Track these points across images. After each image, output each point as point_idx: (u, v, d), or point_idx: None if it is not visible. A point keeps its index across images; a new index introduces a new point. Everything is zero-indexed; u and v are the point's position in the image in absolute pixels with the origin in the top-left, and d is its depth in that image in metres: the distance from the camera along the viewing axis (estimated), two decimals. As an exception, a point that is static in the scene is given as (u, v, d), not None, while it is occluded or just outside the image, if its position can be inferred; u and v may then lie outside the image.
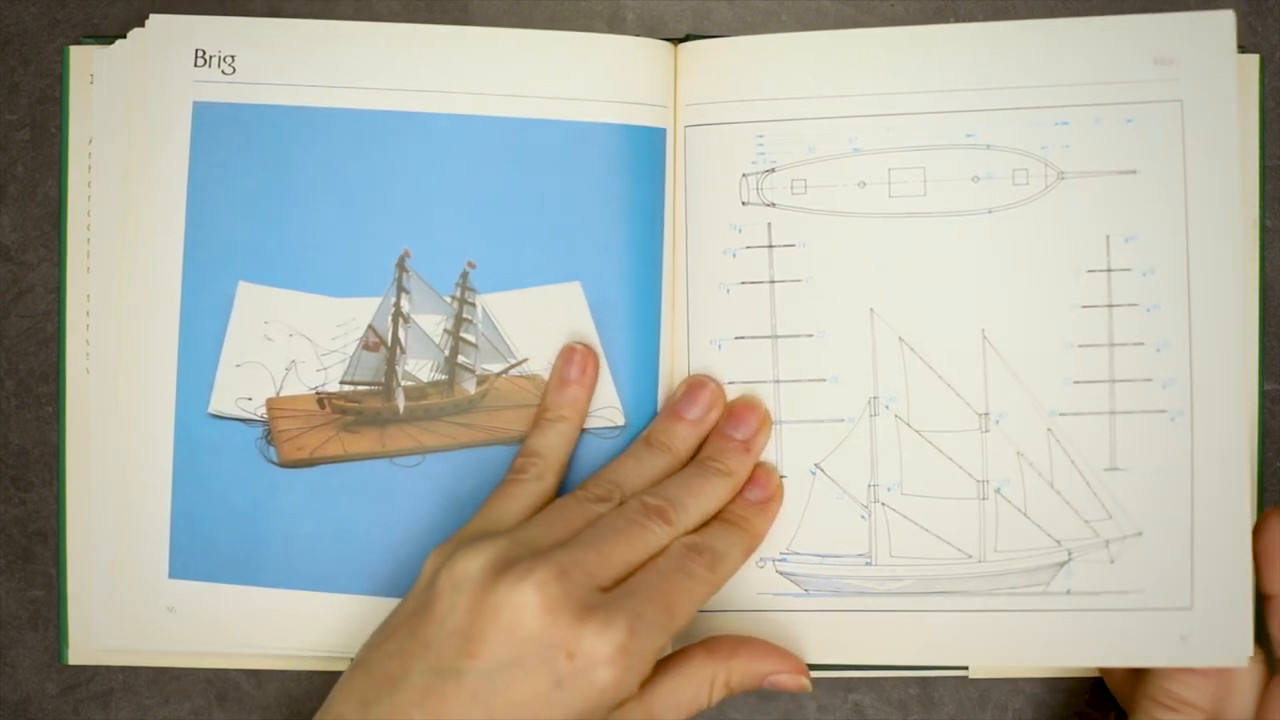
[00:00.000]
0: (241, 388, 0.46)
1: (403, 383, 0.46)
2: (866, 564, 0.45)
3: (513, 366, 0.46)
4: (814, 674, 0.46)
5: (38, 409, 0.48)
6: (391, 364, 0.46)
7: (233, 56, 0.46)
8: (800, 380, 0.45)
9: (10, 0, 0.48)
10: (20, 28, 0.48)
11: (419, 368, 0.46)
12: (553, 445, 0.44)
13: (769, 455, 0.45)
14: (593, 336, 0.45)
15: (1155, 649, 0.43)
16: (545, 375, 0.45)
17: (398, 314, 0.46)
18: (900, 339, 0.45)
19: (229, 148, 0.46)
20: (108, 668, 0.48)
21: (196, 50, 0.46)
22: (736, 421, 0.44)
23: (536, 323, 0.46)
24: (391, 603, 0.42)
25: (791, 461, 0.45)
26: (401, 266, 0.46)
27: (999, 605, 0.44)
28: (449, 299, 0.46)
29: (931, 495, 0.45)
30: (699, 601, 0.40)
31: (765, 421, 0.45)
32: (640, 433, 0.45)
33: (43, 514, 0.48)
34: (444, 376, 0.46)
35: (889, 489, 0.45)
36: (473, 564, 0.38)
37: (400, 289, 0.46)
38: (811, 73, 0.45)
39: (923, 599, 0.44)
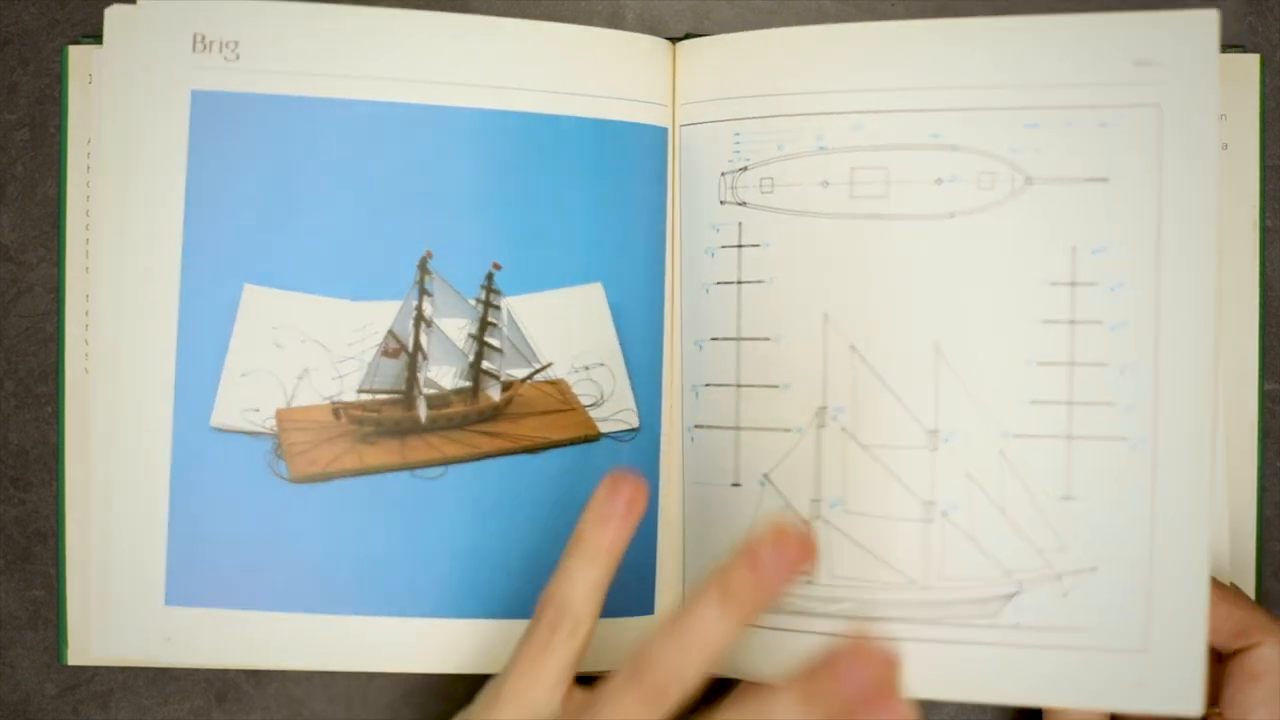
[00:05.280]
0: (248, 398, 0.43)
1: (425, 390, 0.44)
2: (807, 583, 0.43)
3: (538, 371, 0.44)
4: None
5: (37, 409, 0.48)
6: (413, 371, 0.44)
7: (235, 42, 0.42)
8: (756, 385, 0.44)
9: (10, 0, 0.48)
10: (20, 28, 0.48)
11: (442, 374, 0.44)
12: (586, 596, 0.37)
13: (731, 459, 0.44)
14: (613, 339, 0.44)
15: (1106, 692, 0.41)
16: (569, 380, 0.44)
17: (419, 318, 0.44)
18: (852, 347, 0.43)
19: (232, 140, 0.42)
20: (107, 668, 0.48)
21: (195, 35, 0.42)
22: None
23: (559, 325, 0.44)
24: (411, 623, 0.41)
25: (746, 470, 0.44)
26: (423, 268, 0.43)
27: (944, 636, 0.42)
28: (473, 302, 0.44)
29: (875, 514, 0.42)
30: None
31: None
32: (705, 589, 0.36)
33: (42, 514, 0.48)
34: (468, 383, 0.44)
35: (832, 505, 0.43)
36: None
37: (422, 291, 0.43)
38: (781, 69, 0.44)
39: (863, 625, 0.41)
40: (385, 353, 0.43)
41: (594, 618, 0.38)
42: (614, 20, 0.48)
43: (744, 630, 0.35)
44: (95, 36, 0.47)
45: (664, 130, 0.45)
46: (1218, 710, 0.42)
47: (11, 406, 0.48)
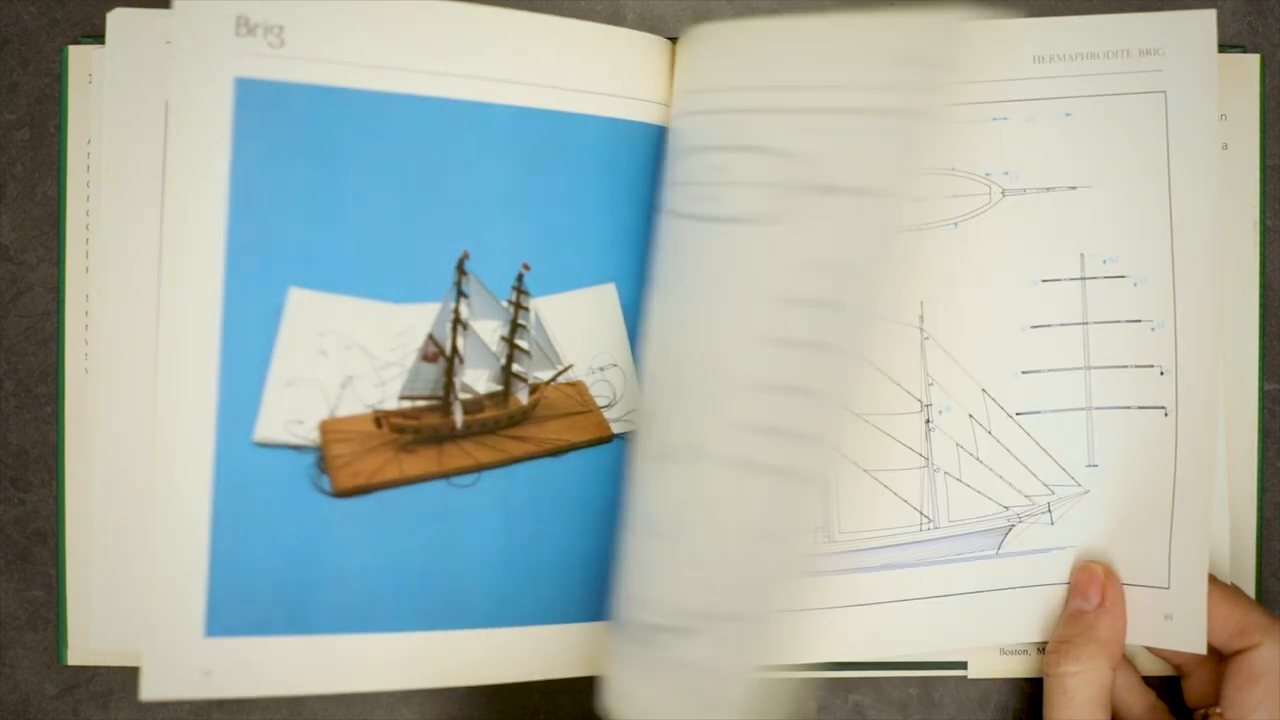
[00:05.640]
0: (292, 409, 0.40)
1: (460, 395, 0.43)
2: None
3: (561, 373, 0.44)
4: (814, 674, 0.46)
5: (37, 409, 0.48)
6: (450, 375, 0.42)
7: (281, 27, 0.39)
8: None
9: (10, 0, 0.48)
10: (20, 28, 0.48)
11: (476, 378, 0.43)
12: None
13: None
14: (624, 339, 0.44)
15: None
16: (586, 381, 0.44)
17: (457, 321, 0.42)
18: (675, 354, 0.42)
19: (277, 133, 0.40)
20: (107, 668, 0.48)
21: (239, 17, 0.39)
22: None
23: (577, 326, 0.43)
24: (446, 636, 0.41)
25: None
26: (461, 269, 0.42)
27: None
28: (505, 304, 0.43)
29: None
30: None
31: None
32: None
33: (42, 514, 0.48)
34: (499, 387, 0.43)
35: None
36: None
37: (459, 293, 0.42)
38: (745, 66, 0.42)
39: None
40: (425, 357, 0.42)
41: None
42: (614, 19, 0.48)
43: None
44: (95, 36, 0.47)
45: (666, 130, 0.45)
46: (1218, 710, 0.42)
47: (11, 406, 0.48)
